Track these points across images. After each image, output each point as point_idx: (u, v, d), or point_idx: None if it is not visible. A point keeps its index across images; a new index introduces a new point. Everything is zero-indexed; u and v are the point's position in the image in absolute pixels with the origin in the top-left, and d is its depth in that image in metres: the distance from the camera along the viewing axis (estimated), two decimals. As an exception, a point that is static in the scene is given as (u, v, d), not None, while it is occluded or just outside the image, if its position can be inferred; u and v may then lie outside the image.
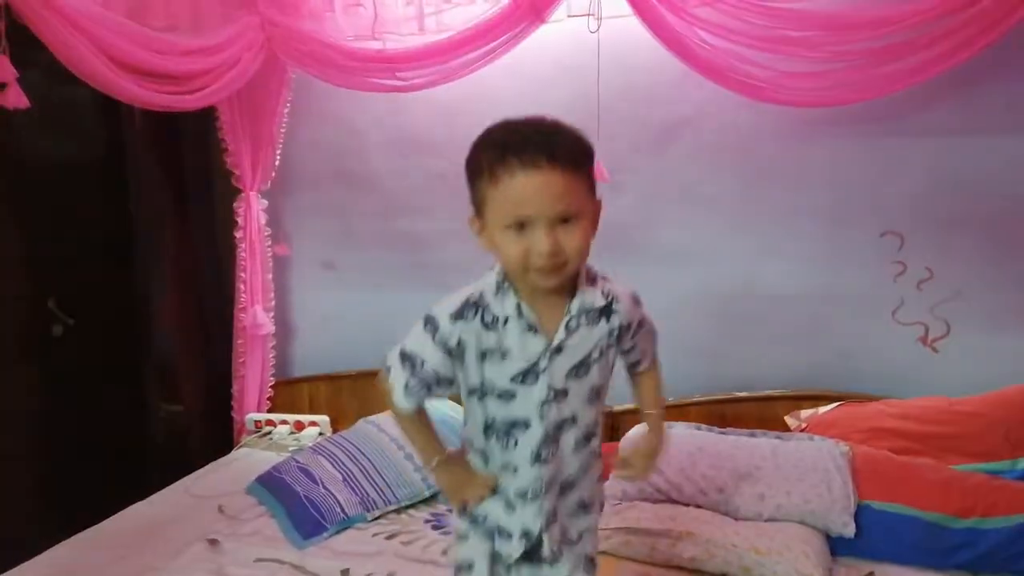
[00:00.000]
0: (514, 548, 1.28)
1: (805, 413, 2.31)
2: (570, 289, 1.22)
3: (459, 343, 1.20)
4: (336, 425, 2.82)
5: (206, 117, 2.73)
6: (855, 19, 2.02)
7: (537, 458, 1.23)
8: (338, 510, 2.18)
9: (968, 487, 1.89)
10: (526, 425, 1.23)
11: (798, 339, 2.41)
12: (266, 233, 2.85)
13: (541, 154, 1.09)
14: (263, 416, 2.87)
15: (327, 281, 2.95)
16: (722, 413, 2.40)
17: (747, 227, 2.41)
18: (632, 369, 1.41)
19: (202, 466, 2.62)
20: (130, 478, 2.76)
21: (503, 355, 1.19)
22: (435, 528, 2.16)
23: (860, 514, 1.91)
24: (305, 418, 2.84)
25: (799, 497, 1.95)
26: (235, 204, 2.79)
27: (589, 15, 2.26)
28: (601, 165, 2.33)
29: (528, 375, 1.20)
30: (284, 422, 2.84)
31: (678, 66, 2.17)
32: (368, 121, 2.77)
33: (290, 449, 2.65)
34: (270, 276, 2.88)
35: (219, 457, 2.71)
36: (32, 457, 2.58)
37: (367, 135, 2.79)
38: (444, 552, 2.01)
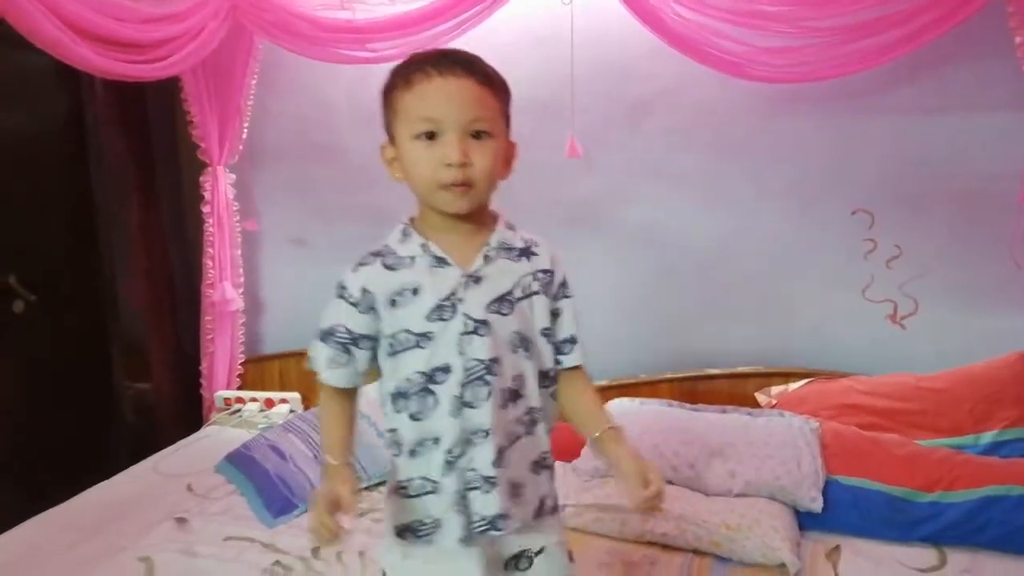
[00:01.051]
0: (451, 528, 1.15)
1: (776, 390, 2.33)
2: (486, 229, 1.18)
3: (365, 292, 1.14)
4: (307, 402, 2.80)
5: (171, 88, 2.66)
6: (831, -6, 2.01)
7: (461, 403, 1.12)
8: (309, 487, 2.16)
9: (932, 462, 1.92)
10: (447, 371, 1.12)
11: (769, 316, 2.43)
12: (234, 208, 2.79)
13: (458, 64, 1.10)
14: (232, 394, 2.84)
15: (297, 256, 2.91)
16: (693, 390, 2.41)
17: (718, 204, 2.41)
18: (558, 354, 1.23)
19: (170, 444, 2.59)
20: (98, 457, 2.72)
21: (415, 291, 1.13)
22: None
23: (827, 489, 1.93)
24: (276, 395, 2.81)
25: (769, 473, 1.97)
26: (202, 178, 2.73)
27: (563, -13, 2.23)
28: (575, 140, 2.32)
29: (444, 309, 1.12)
30: (254, 399, 2.81)
31: (652, 41, 2.15)
32: (338, 93, 2.72)
33: (260, 427, 2.62)
34: (239, 251, 2.83)
35: (188, 435, 2.68)
36: (-4, 435, 2.53)
37: (337, 107, 2.74)
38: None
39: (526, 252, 1.20)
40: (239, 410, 2.80)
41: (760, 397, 2.34)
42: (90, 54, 2.04)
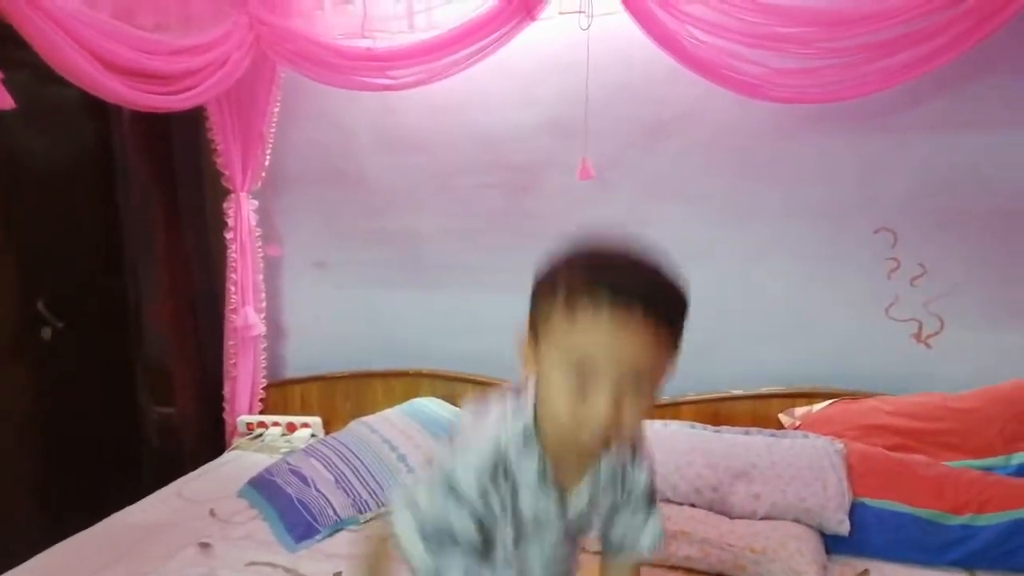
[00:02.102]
0: None
1: (799, 411, 2.31)
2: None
3: (487, 507, 1.02)
4: (328, 426, 2.80)
5: (196, 117, 2.71)
6: (846, 15, 2.01)
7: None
8: (331, 512, 2.16)
9: (962, 484, 1.89)
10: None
11: (792, 336, 2.41)
12: (256, 233, 2.83)
13: (637, 300, 0.89)
14: (255, 418, 2.85)
15: (318, 281, 2.94)
16: (715, 411, 2.39)
17: (740, 225, 2.40)
18: (630, 547, 1.17)
19: (194, 468, 2.61)
20: (122, 481, 2.74)
21: (514, 513, 1.04)
22: None
23: (855, 511, 1.90)
24: (297, 419, 2.82)
25: (794, 495, 1.94)
26: (225, 204, 2.77)
27: (580, 12, 2.25)
28: (587, 162, 2.33)
29: (528, 531, 1.06)
30: (276, 424, 2.82)
31: (669, 63, 2.16)
32: (358, 120, 2.76)
33: (282, 451, 2.63)
34: (261, 277, 2.86)
35: (211, 459, 2.69)
36: (23, 460, 2.56)
37: (357, 134, 2.78)
38: None
39: (623, 475, 1.11)
40: (261, 434, 2.81)
41: (784, 418, 2.32)
42: (120, 87, 2.09)
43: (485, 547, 1.05)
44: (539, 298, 0.97)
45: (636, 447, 1.12)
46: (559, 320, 0.92)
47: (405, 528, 1.05)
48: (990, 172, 2.17)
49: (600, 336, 0.89)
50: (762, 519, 1.94)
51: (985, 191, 2.18)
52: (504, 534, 1.04)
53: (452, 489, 1.00)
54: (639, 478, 1.13)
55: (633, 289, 0.89)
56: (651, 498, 1.15)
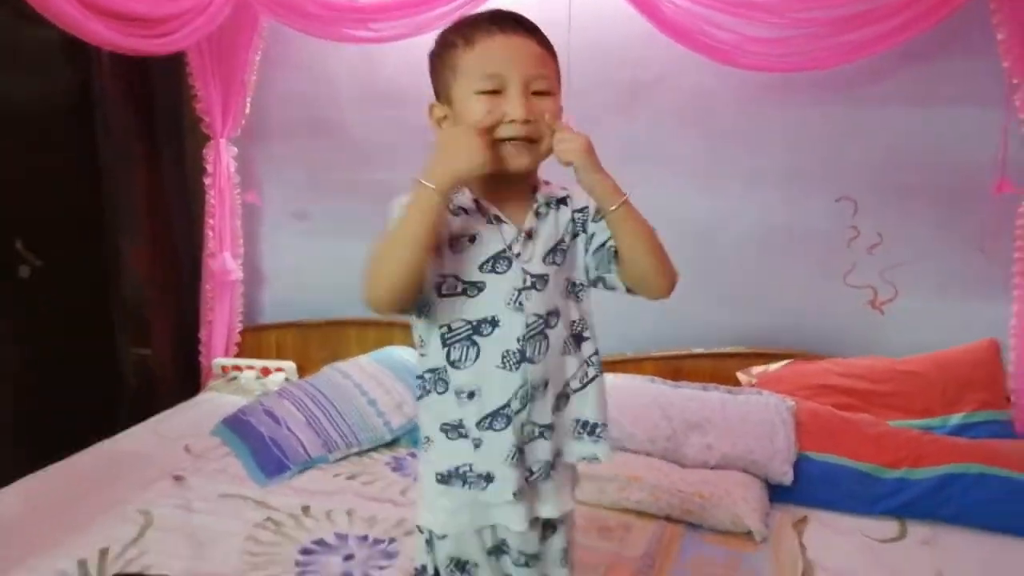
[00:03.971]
0: (501, 487, 1.12)
1: (756, 369, 2.40)
2: (528, 186, 1.18)
3: None
4: (302, 372, 2.87)
5: (176, 63, 2.72)
6: (817, -14, 2.07)
7: (513, 360, 1.10)
8: (301, 451, 2.24)
9: (900, 441, 2.00)
10: (494, 324, 1.11)
11: (753, 299, 2.50)
12: (235, 180, 2.86)
13: (520, 23, 1.11)
14: (230, 361, 2.91)
15: (297, 230, 2.98)
16: (678, 368, 2.49)
17: (707, 188, 2.47)
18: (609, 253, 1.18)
19: (169, 408, 2.67)
20: (99, 419, 2.80)
21: (472, 239, 1.12)
22: (395, 470, 2.24)
23: (799, 464, 2.01)
24: (272, 364, 2.89)
25: (743, 447, 2.05)
26: (205, 151, 2.80)
27: (562, -29, 2.29)
28: (571, 123, 2.37)
29: (499, 261, 1.12)
30: (251, 367, 2.88)
31: (647, 27, 2.21)
32: (340, 71, 2.78)
33: (256, 393, 2.69)
34: (239, 223, 2.90)
35: (186, 400, 2.76)
36: (0, 398, 2.61)
37: (339, 85, 2.80)
38: (402, 492, 2.10)
39: (564, 200, 1.20)
40: (236, 377, 2.87)
41: (741, 376, 2.41)
42: (102, 29, 2.11)
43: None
44: (437, 64, 1.15)
45: (547, 183, 1.21)
46: (462, 57, 1.10)
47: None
48: (948, 147, 2.25)
49: (498, 49, 1.09)
50: (713, 468, 2.04)
51: (943, 166, 2.26)
52: (445, 257, 1.11)
53: (394, 209, 1.13)
54: (575, 195, 1.20)
55: (514, 17, 1.12)
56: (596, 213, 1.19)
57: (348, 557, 1.79)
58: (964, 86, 2.20)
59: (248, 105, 2.78)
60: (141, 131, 2.90)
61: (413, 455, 2.33)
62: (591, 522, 1.91)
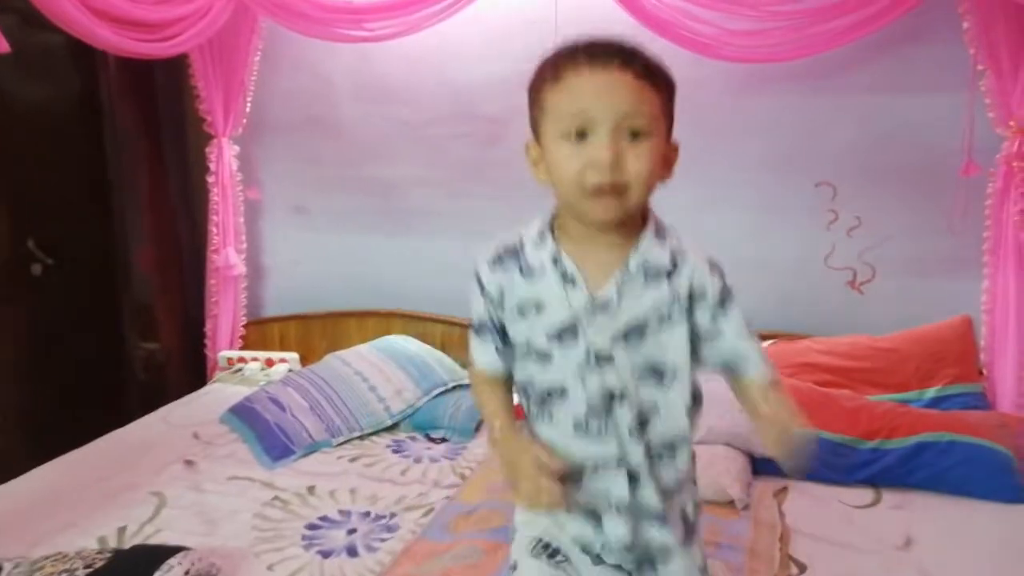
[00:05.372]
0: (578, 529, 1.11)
1: (742, 350, 2.49)
2: (631, 241, 1.05)
3: (501, 293, 1.09)
4: (305, 362, 2.95)
5: (179, 65, 2.82)
6: (792, -20, 2.16)
7: (581, 428, 1.06)
8: (305, 435, 2.34)
9: (876, 414, 2.10)
10: (562, 393, 1.06)
11: (737, 282, 2.56)
12: (238, 178, 2.96)
13: (614, 56, 0.98)
14: (235, 353, 3.01)
15: (298, 225, 3.08)
16: (667, 350, 2.58)
17: (691, 177, 2.53)
18: (730, 374, 1.11)
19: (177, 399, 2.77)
20: (109, 412, 2.90)
21: (539, 308, 1.05)
22: (395, 452, 2.34)
23: (780, 437, 2.10)
24: (275, 355, 2.98)
25: (728, 422, 2.13)
26: (207, 149, 2.89)
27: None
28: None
29: (566, 333, 1.05)
30: (255, 359, 2.98)
31: (631, 22, 2.30)
32: (337, 69, 2.88)
33: (261, 384, 2.78)
34: (242, 219, 3.00)
35: (194, 391, 2.86)
36: (12, 391, 2.71)
37: (336, 83, 2.90)
38: (403, 472, 2.20)
39: (671, 272, 1.06)
40: (241, 369, 2.97)
41: (727, 357, 2.50)
42: (108, 34, 2.20)
43: (504, 338, 1.11)
44: (532, 98, 1.05)
45: (660, 230, 1.08)
46: (549, 94, 1.01)
47: (476, 350, 1.15)
48: (921, 131, 2.34)
49: (586, 86, 0.98)
50: (697, 443, 2.13)
51: (917, 149, 2.36)
52: (516, 323, 1.08)
53: (479, 286, 1.11)
54: (698, 276, 1.07)
55: (608, 47, 0.99)
56: (723, 300, 1.09)
57: (351, 531, 1.89)
58: (934, 72, 2.29)
59: (249, 104, 2.88)
60: (146, 132, 3.00)
61: (413, 438, 2.43)
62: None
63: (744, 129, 2.50)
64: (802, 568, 1.70)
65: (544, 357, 1.06)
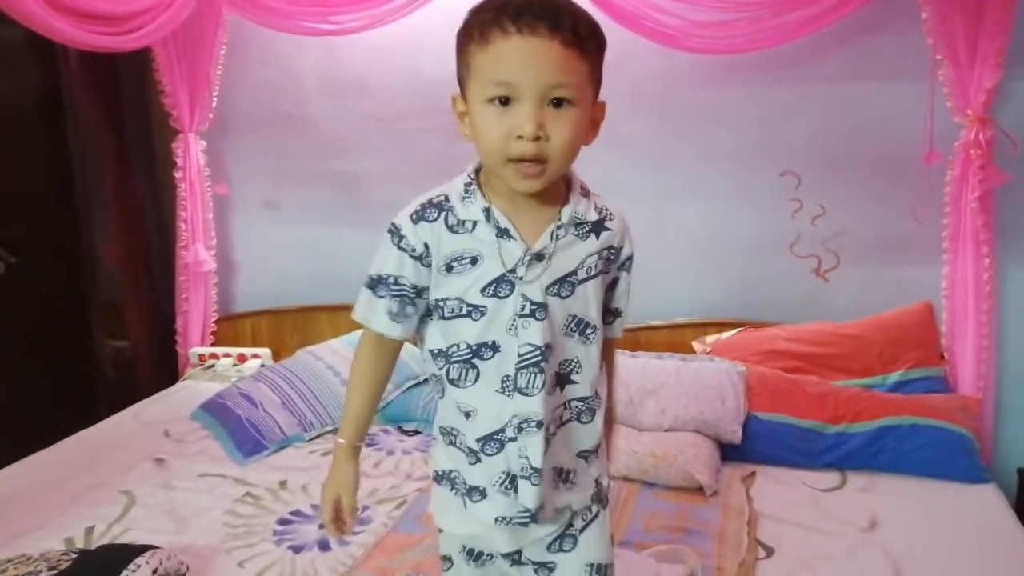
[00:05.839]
0: (487, 508, 1.10)
1: (710, 338, 2.53)
2: (557, 198, 1.07)
3: (426, 248, 1.05)
4: (277, 357, 2.95)
5: (142, 58, 2.79)
6: (754, -28, 2.18)
7: (510, 386, 1.06)
8: (277, 430, 2.34)
9: (841, 399, 2.14)
10: (494, 347, 1.06)
11: (705, 271, 2.62)
12: (205, 173, 2.93)
13: (542, 20, 0.95)
14: (207, 350, 2.99)
15: (268, 220, 3.06)
16: (635, 340, 2.60)
17: (659, 167, 2.59)
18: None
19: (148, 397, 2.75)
20: (79, 411, 2.86)
21: (473, 261, 1.04)
22: (368, 446, 2.33)
23: (748, 423, 2.14)
24: (247, 351, 2.97)
25: (695, 410, 2.17)
26: (174, 145, 2.86)
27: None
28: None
29: (501, 285, 1.04)
30: (227, 355, 2.96)
31: (599, 14, 2.30)
32: (305, 63, 2.86)
33: (233, 380, 2.77)
34: (211, 215, 2.98)
35: (165, 389, 2.84)
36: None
37: (304, 77, 2.88)
38: (375, 465, 2.20)
39: (598, 227, 1.09)
40: (213, 365, 2.95)
41: (696, 345, 2.54)
42: (66, 27, 2.17)
43: (403, 304, 1.08)
44: (459, 53, 1.03)
45: (584, 187, 1.11)
46: (475, 55, 0.99)
47: (368, 305, 1.10)
48: (884, 121, 2.38)
49: (512, 54, 0.96)
50: (667, 431, 2.17)
51: (879, 138, 2.39)
52: (445, 280, 1.06)
53: (391, 229, 1.07)
54: (621, 234, 1.12)
55: (537, 10, 0.96)
56: (630, 259, 1.15)
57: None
58: (894, 62, 2.33)
59: (216, 99, 2.85)
60: (110, 127, 2.96)
61: (385, 431, 2.43)
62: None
63: (711, 120, 2.53)
64: (770, 551, 1.73)
65: (478, 311, 1.05)
